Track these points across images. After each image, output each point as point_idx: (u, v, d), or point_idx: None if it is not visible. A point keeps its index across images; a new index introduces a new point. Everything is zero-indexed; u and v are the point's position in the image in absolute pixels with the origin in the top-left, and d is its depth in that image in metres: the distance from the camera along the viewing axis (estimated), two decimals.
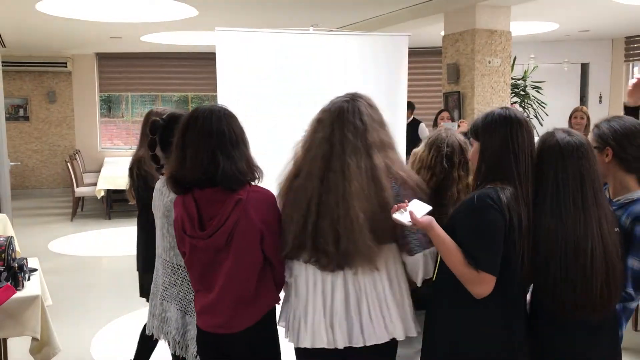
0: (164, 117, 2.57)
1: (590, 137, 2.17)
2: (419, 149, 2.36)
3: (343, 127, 2.03)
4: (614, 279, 1.88)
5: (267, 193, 2.13)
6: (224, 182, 2.04)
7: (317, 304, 2.04)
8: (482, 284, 1.88)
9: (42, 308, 3.11)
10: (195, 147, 2.05)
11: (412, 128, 6.56)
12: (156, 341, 3.38)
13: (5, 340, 3.25)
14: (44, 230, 8.16)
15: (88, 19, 7.59)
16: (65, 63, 11.02)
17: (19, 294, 3.03)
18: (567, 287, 1.85)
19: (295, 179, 2.08)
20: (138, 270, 3.30)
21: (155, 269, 2.58)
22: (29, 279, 3.24)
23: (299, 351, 2.14)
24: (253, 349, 2.15)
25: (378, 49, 5.57)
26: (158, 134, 2.53)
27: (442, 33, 6.97)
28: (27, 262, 3.30)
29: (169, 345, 2.49)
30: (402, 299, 2.06)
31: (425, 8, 7.03)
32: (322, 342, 2.03)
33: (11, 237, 3.25)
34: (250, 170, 2.11)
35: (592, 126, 6.41)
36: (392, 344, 2.09)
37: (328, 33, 5.96)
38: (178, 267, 2.42)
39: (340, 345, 2.02)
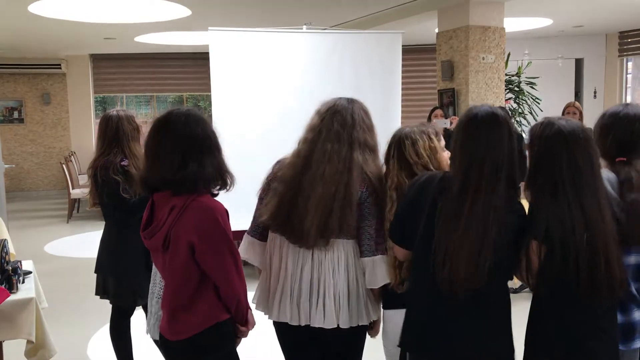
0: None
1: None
2: None
3: (333, 117, 2.24)
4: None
5: (210, 204, 2.03)
6: (181, 187, 1.99)
7: (286, 283, 2.26)
8: (394, 249, 2.12)
9: (37, 311, 3.11)
10: (168, 150, 2.00)
11: None
12: (129, 337, 3.41)
13: (0, 343, 3.24)
14: (40, 233, 8.15)
15: (81, 20, 7.57)
16: (60, 64, 10.99)
17: (13, 297, 3.03)
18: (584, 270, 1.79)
19: (292, 158, 2.30)
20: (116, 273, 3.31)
21: (154, 266, 2.58)
22: (23, 282, 3.23)
23: (274, 323, 2.38)
24: None
25: (372, 46, 5.58)
26: None
27: (436, 30, 6.97)
28: (21, 264, 3.29)
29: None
30: (357, 292, 2.24)
31: (418, 5, 7.03)
32: (286, 318, 2.25)
33: (5, 240, 3.24)
34: (221, 176, 2.07)
35: (585, 120, 6.36)
36: (357, 330, 2.27)
37: (322, 31, 5.96)
38: None
39: (303, 323, 2.24)
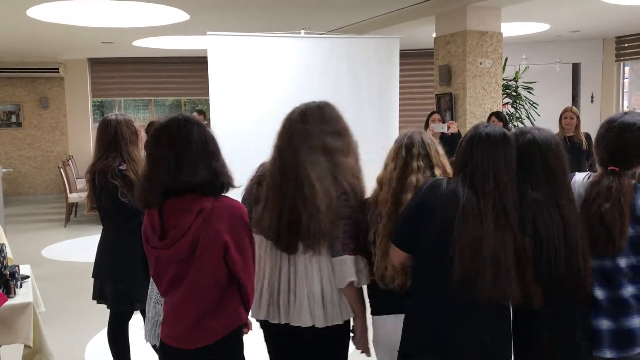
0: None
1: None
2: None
3: (303, 123, 2.28)
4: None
5: (234, 203, 2.08)
6: (212, 189, 2.02)
7: (265, 282, 2.32)
8: (391, 252, 2.10)
9: (35, 315, 3.10)
10: (190, 155, 2.00)
11: None
12: (127, 341, 3.41)
13: None
14: (38, 237, 8.13)
15: (79, 25, 7.58)
16: (58, 69, 10.99)
17: (10, 302, 3.02)
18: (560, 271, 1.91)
19: (271, 166, 2.33)
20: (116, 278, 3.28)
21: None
22: (20, 286, 3.22)
23: (258, 322, 2.42)
24: None
25: (370, 51, 5.59)
26: None
27: (434, 35, 6.99)
28: (19, 269, 3.29)
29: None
30: (331, 291, 2.28)
31: (416, 10, 7.06)
32: (266, 316, 2.31)
33: (2, 244, 3.24)
34: (229, 177, 2.12)
35: (582, 125, 6.32)
36: (339, 328, 2.31)
37: (319, 36, 5.97)
38: None
39: (282, 321, 2.28)
